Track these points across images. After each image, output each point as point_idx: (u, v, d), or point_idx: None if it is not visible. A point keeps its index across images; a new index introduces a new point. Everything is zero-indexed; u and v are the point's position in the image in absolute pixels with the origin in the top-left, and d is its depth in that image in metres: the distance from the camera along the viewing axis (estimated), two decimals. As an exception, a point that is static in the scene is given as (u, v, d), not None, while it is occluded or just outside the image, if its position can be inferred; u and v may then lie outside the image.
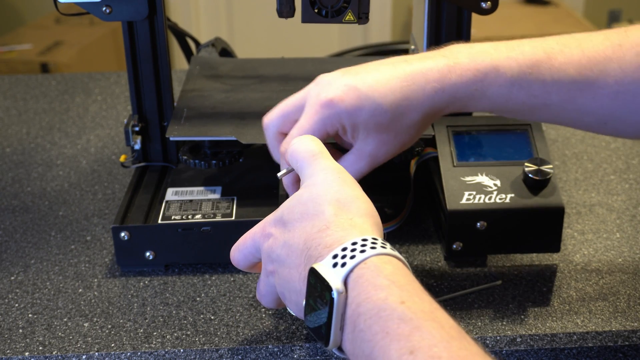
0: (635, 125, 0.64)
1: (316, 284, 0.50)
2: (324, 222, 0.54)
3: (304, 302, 0.52)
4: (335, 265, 0.50)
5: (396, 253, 0.51)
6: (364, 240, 0.51)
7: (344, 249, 0.50)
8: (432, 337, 0.44)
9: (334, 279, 0.49)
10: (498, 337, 0.65)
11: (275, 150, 0.69)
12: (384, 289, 0.47)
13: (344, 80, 0.64)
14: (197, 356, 0.65)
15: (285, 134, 0.68)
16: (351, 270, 0.49)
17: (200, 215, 0.75)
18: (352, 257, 0.50)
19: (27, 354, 0.64)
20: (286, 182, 0.67)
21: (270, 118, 0.69)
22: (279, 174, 0.65)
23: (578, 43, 0.64)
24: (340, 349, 0.50)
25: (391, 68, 0.64)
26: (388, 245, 0.51)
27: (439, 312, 0.47)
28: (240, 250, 0.61)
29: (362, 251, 0.50)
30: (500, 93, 0.63)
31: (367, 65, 0.66)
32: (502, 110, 0.66)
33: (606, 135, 0.69)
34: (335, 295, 0.48)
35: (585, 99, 0.63)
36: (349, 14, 0.73)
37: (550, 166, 0.73)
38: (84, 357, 0.64)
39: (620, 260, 0.75)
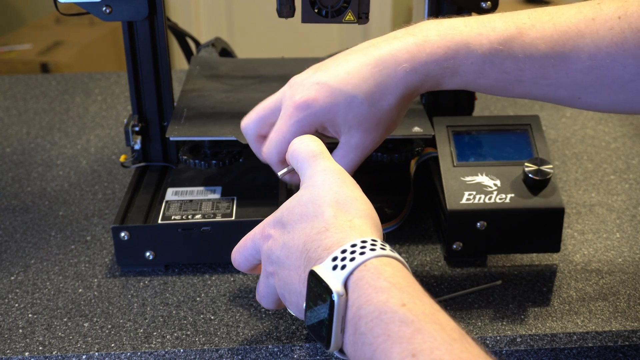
0: (608, 99, 0.64)
1: (316, 286, 0.50)
2: (323, 223, 0.54)
3: (304, 305, 0.52)
4: (335, 267, 0.50)
5: (395, 254, 0.51)
6: (363, 242, 0.51)
7: (344, 251, 0.50)
8: (434, 339, 0.44)
9: (334, 281, 0.49)
10: (498, 337, 0.65)
11: (259, 152, 0.69)
12: (385, 291, 0.47)
13: (315, 79, 0.64)
14: (197, 356, 0.65)
15: (264, 137, 0.68)
16: (351, 273, 0.49)
17: (200, 215, 0.75)
18: (352, 259, 0.50)
19: (27, 354, 0.64)
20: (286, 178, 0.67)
21: (247, 122, 0.69)
22: (279, 173, 0.65)
23: (550, 17, 0.63)
24: (341, 351, 0.50)
25: (360, 56, 0.64)
26: (387, 247, 0.51)
27: (440, 314, 0.46)
28: (240, 253, 0.61)
29: (362, 253, 0.50)
30: (472, 70, 0.63)
31: (337, 57, 0.66)
32: (474, 87, 0.65)
33: (580, 109, 0.69)
34: (335, 298, 0.48)
35: (558, 74, 0.63)
36: (349, 14, 0.73)
37: (550, 166, 0.73)
38: (84, 357, 0.64)
39: (620, 260, 0.75)
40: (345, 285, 0.49)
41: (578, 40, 0.62)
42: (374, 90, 0.63)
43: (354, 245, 0.50)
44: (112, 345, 0.65)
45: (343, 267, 0.49)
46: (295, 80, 0.66)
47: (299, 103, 0.64)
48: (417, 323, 0.45)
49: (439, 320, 0.46)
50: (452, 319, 0.47)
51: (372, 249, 0.50)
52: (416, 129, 0.79)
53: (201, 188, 0.80)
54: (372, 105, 0.64)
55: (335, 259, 0.50)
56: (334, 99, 0.63)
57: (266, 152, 0.67)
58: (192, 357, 0.65)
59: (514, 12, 0.65)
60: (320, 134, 0.66)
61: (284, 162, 0.67)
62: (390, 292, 0.47)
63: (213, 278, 0.74)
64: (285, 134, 0.65)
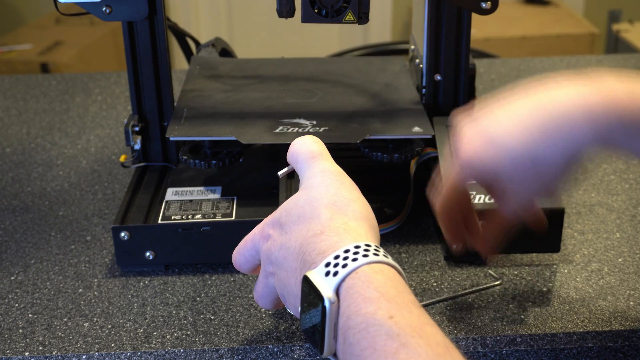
0: None
1: (309, 292, 0.50)
2: (319, 226, 0.54)
3: (300, 308, 0.53)
4: (327, 273, 0.50)
5: (389, 260, 0.51)
6: (357, 247, 0.51)
7: (337, 257, 0.50)
8: (418, 355, 0.44)
9: (325, 288, 0.49)
10: (498, 337, 0.65)
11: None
12: (373, 301, 0.47)
13: (480, 132, 0.59)
14: (197, 356, 0.65)
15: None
16: (343, 280, 0.49)
17: (200, 215, 0.75)
18: (344, 265, 0.50)
19: (27, 354, 0.64)
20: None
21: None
22: (279, 173, 0.65)
23: None
24: (335, 355, 0.50)
25: (532, 108, 0.57)
26: (381, 251, 0.51)
27: (427, 327, 0.46)
28: (241, 254, 0.61)
29: (354, 259, 0.50)
30: None
31: (508, 103, 0.59)
32: None
33: None
34: (327, 305, 0.49)
35: None
36: (349, 14, 0.73)
37: (550, 166, 0.73)
38: (84, 357, 0.64)
39: (620, 260, 0.75)
40: (337, 292, 0.49)
41: None
42: (541, 145, 0.57)
43: (347, 251, 0.51)
44: (112, 345, 0.65)
45: (335, 273, 0.49)
46: (464, 129, 0.61)
47: (464, 162, 0.60)
48: (403, 337, 0.45)
49: (426, 334, 0.45)
50: (440, 332, 0.47)
51: (364, 255, 0.50)
52: (416, 129, 0.79)
53: (201, 188, 0.80)
54: (537, 161, 0.57)
55: (328, 264, 0.50)
56: (497, 157, 0.58)
57: (439, 206, 0.64)
58: (192, 357, 0.65)
59: None
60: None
61: (451, 219, 0.65)
62: (379, 302, 0.47)
63: (213, 278, 0.74)
64: (453, 190, 0.62)
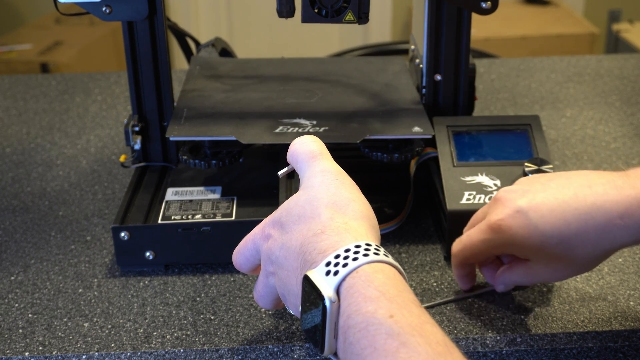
0: None
1: (310, 291, 0.50)
2: (320, 225, 0.54)
3: (300, 308, 0.53)
4: (328, 273, 0.50)
5: (389, 259, 0.51)
6: (357, 247, 0.51)
7: (337, 256, 0.50)
8: (418, 354, 0.44)
9: (326, 287, 0.49)
10: (498, 337, 0.65)
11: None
12: (374, 301, 0.47)
13: (517, 205, 0.60)
14: (197, 356, 0.65)
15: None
16: (343, 279, 0.49)
17: (200, 215, 0.75)
18: (345, 265, 0.50)
19: (27, 354, 0.64)
20: None
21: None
22: (279, 173, 0.65)
23: None
24: (336, 354, 0.50)
25: (572, 195, 0.59)
26: (382, 251, 0.51)
27: (427, 326, 0.46)
28: (242, 253, 0.61)
29: (355, 259, 0.50)
30: None
31: (549, 184, 0.61)
32: None
33: None
34: (327, 304, 0.49)
35: None
36: (349, 14, 0.73)
37: (551, 166, 0.73)
38: (84, 357, 0.64)
39: (620, 260, 0.75)
40: (338, 291, 0.49)
41: None
42: (574, 238, 0.58)
43: (347, 250, 0.51)
44: (112, 345, 0.65)
45: (336, 273, 0.50)
46: (503, 195, 0.62)
47: (493, 224, 0.61)
48: (403, 336, 0.45)
49: (426, 333, 0.46)
50: (440, 331, 0.47)
51: (365, 254, 0.50)
52: (416, 129, 0.79)
53: (201, 188, 0.80)
54: (566, 250, 0.59)
55: (328, 264, 0.50)
56: (528, 233, 0.59)
57: (455, 252, 0.66)
58: (192, 357, 0.65)
59: None
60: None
61: (464, 266, 0.67)
62: (379, 302, 0.47)
63: (213, 278, 0.74)
64: (468, 244, 0.64)
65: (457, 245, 0.66)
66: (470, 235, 0.64)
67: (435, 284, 0.72)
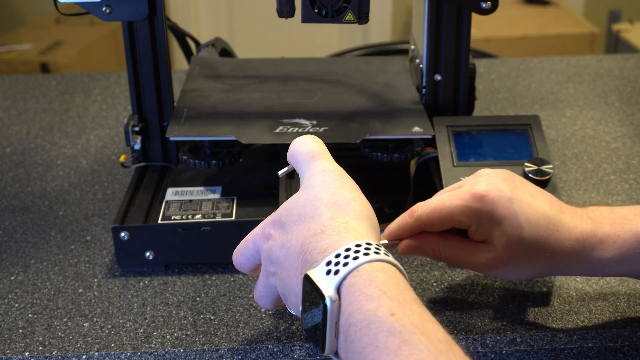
0: None
1: (311, 291, 0.50)
2: (320, 225, 0.54)
3: (301, 307, 0.53)
4: (328, 272, 0.50)
5: (390, 258, 0.51)
6: (358, 246, 0.51)
7: (337, 256, 0.50)
8: (420, 351, 0.44)
9: (327, 287, 0.49)
10: (498, 337, 0.65)
11: None
12: (375, 299, 0.47)
13: (503, 185, 0.63)
14: (197, 356, 0.65)
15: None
16: (344, 278, 0.49)
17: (200, 215, 0.75)
18: (345, 264, 0.50)
19: (27, 354, 0.64)
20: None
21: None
22: (279, 173, 0.65)
23: None
24: (337, 354, 0.50)
25: (547, 204, 0.63)
26: (382, 250, 0.51)
27: (429, 324, 0.46)
28: (242, 253, 0.61)
29: (355, 258, 0.50)
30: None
31: (528, 185, 0.64)
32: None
33: None
34: (328, 303, 0.49)
35: None
36: (349, 14, 0.73)
37: (550, 166, 0.73)
38: (84, 357, 0.64)
39: (620, 260, 0.75)
40: (339, 290, 0.49)
41: None
42: (537, 241, 0.62)
43: (347, 250, 0.51)
44: (112, 345, 0.65)
45: (336, 272, 0.50)
46: (488, 172, 0.64)
47: (477, 193, 0.62)
48: (405, 334, 0.45)
49: (428, 331, 0.46)
50: (441, 329, 0.47)
51: (365, 254, 0.50)
52: (416, 129, 0.79)
53: (201, 188, 0.80)
54: (527, 249, 0.62)
55: (329, 263, 0.50)
56: (505, 214, 0.62)
57: (420, 214, 0.65)
58: (192, 357, 0.65)
59: None
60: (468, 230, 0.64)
61: (432, 224, 0.66)
62: (380, 300, 0.47)
63: (213, 278, 0.74)
64: (444, 210, 0.63)
65: (424, 207, 0.64)
66: (443, 200, 0.63)
67: (435, 283, 0.72)
